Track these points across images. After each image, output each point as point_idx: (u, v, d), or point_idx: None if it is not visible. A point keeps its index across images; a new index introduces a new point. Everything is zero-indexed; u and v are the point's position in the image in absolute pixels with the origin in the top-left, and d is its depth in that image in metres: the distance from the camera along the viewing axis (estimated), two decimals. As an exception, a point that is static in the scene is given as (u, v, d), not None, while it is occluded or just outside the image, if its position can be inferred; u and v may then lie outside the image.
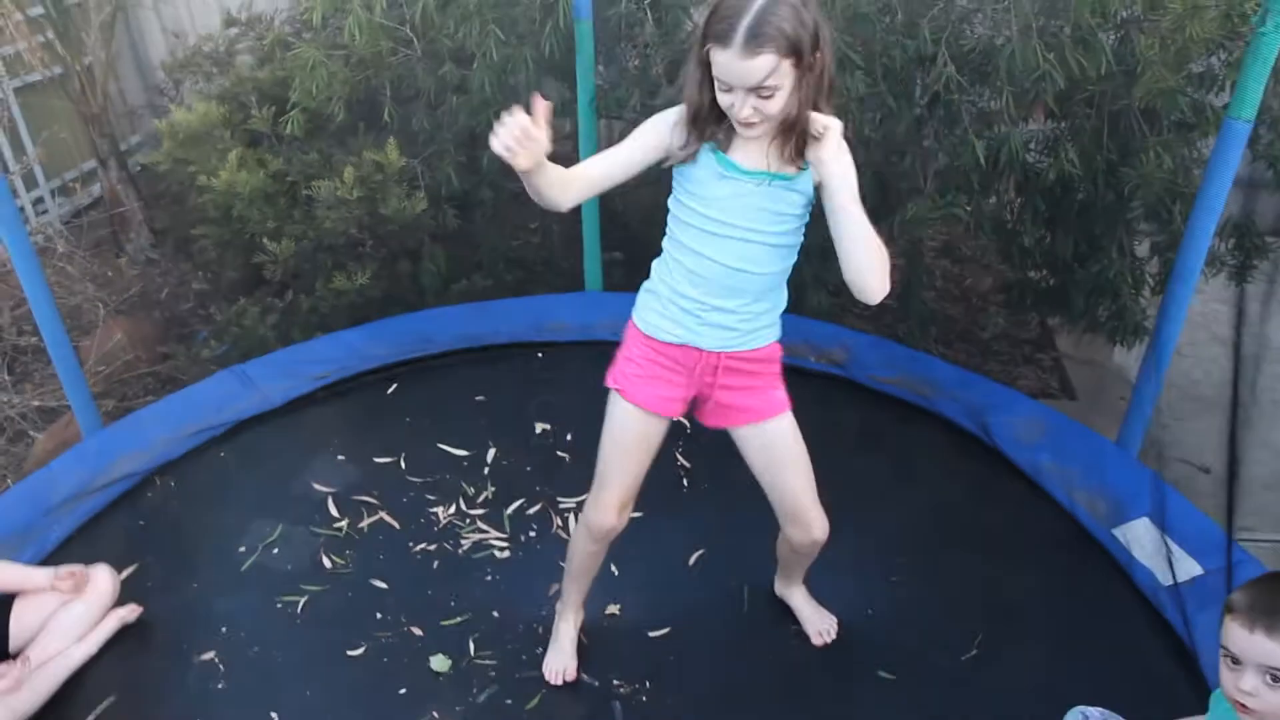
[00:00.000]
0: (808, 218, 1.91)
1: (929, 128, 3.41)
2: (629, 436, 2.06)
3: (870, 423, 3.26)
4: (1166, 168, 3.01)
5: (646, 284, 2.05)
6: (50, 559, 2.65)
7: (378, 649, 2.44)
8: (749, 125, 1.72)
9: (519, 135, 1.58)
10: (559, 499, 2.92)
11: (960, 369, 3.42)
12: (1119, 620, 2.51)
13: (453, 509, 2.89)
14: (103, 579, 2.47)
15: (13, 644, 2.35)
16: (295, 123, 3.74)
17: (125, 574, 2.59)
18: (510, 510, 2.89)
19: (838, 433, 3.15)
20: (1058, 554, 2.73)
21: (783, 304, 2.03)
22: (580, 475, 2.25)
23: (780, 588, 2.53)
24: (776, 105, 1.69)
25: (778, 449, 2.08)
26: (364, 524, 2.84)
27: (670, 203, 1.96)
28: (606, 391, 2.08)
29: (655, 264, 2.04)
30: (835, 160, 1.76)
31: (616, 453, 2.08)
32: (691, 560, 2.71)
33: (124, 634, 2.46)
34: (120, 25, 5.45)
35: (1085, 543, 2.74)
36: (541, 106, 1.62)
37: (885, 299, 1.85)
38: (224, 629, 2.49)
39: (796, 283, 3.82)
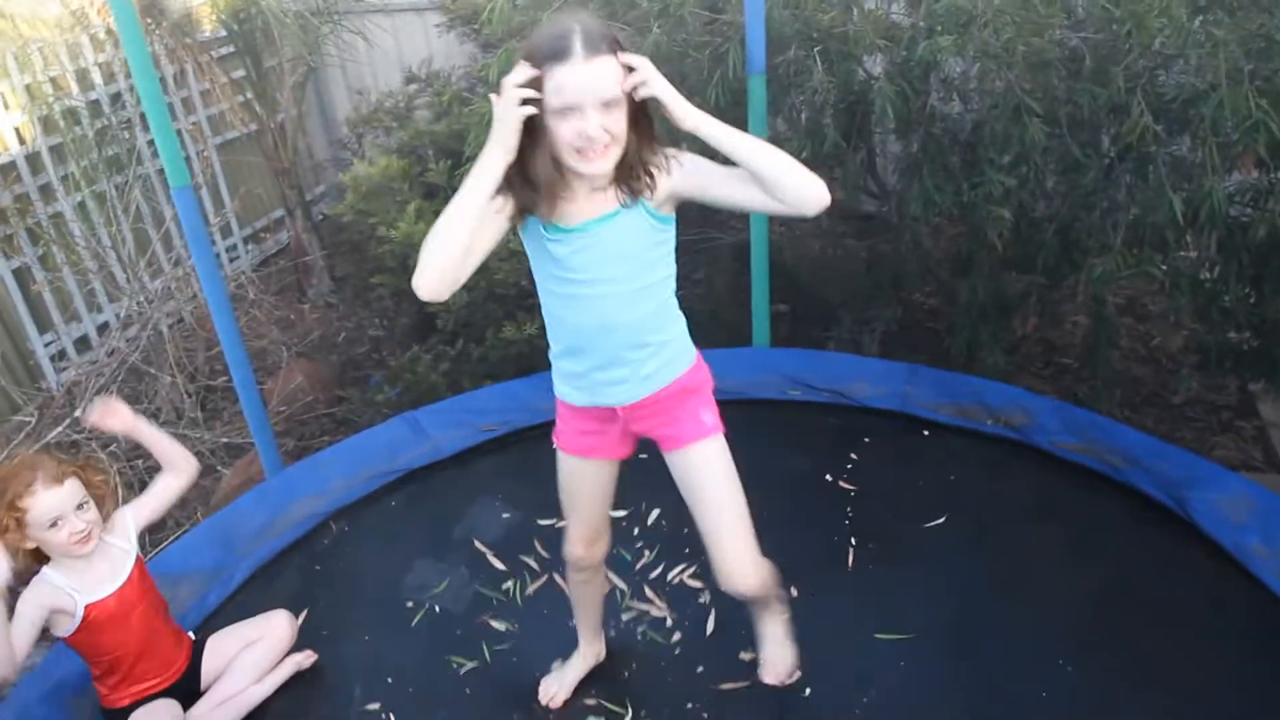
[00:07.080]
0: (671, 244, 1.86)
1: (1119, 180, 3.21)
2: (575, 483, 2.15)
3: (1051, 492, 3.05)
4: (1401, 223, 2.74)
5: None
6: (232, 599, 2.78)
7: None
8: (602, 153, 1.65)
9: None
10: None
11: (1154, 438, 3.17)
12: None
13: (614, 574, 2.80)
14: (282, 624, 2.57)
15: (204, 680, 2.47)
16: (470, 176, 3.85)
17: (300, 618, 2.67)
18: (672, 578, 2.80)
19: (1016, 501, 2.99)
20: (1270, 647, 2.48)
21: (680, 333, 1.98)
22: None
23: None
24: (623, 124, 1.65)
25: (695, 478, 1.96)
26: (531, 589, 2.81)
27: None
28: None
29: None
30: (656, 79, 1.64)
31: (568, 499, 2.18)
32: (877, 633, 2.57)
33: (298, 677, 2.54)
34: (310, 84, 5.81)
35: (1303, 638, 2.48)
36: None
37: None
38: (390, 680, 2.53)
39: (970, 341, 3.72)
